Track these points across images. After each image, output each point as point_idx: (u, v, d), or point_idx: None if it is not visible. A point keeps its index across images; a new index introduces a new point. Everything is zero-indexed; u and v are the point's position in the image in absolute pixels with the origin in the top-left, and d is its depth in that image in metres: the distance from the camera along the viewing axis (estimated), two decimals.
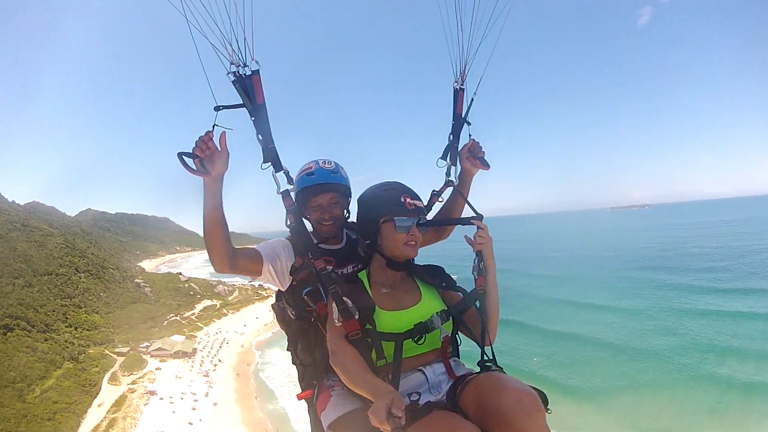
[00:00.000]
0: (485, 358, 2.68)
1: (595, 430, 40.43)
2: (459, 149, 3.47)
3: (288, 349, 3.19)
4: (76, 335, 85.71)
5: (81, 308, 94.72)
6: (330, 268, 2.85)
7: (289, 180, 2.94)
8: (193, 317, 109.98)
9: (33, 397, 65.45)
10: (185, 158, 2.48)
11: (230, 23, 2.46)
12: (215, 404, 63.02)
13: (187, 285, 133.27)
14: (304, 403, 3.12)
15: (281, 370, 68.38)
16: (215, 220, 2.63)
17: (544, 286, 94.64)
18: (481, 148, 3.43)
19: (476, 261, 2.89)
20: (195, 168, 2.50)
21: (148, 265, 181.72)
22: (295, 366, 3.25)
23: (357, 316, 2.55)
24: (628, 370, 51.34)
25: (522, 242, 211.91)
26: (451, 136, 3.48)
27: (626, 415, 41.31)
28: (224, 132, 2.59)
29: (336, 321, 2.60)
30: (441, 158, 3.50)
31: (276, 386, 65.00)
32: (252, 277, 3.04)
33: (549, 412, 2.29)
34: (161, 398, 67.75)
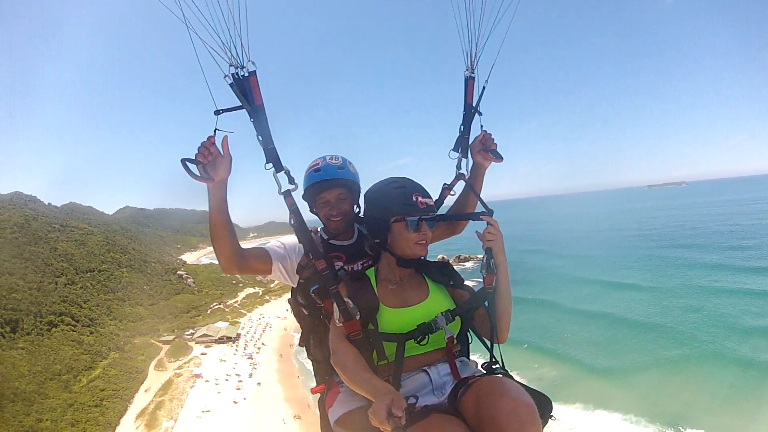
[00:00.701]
0: (492, 360, 2.64)
1: (620, 406, 40.59)
2: (470, 141, 3.30)
3: (300, 345, 3.16)
4: (121, 327, 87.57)
5: (125, 301, 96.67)
6: (340, 264, 2.99)
7: (290, 180, 2.80)
8: (236, 305, 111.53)
9: (80, 387, 67.13)
10: (188, 164, 2.48)
11: (226, 26, 2.43)
12: (259, 384, 64.16)
13: (229, 274, 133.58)
14: None
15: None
16: (220, 223, 2.67)
17: (575, 265, 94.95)
18: (493, 139, 3.27)
19: (485, 258, 2.74)
20: (198, 174, 2.50)
21: (189, 257, 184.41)
22: (310, 360, 3.19)
23: (358, 317, 2.52)
24: (654, 347, 51.67)
25: (557, 223, 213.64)
26: (462, 127, 3.30)
27: (650, 392, 41.64)
28: (226, 136, 2.58)
29: (337, 321, 2.56)
30: (453, 150, 3.30)
31: None
32: (262, 275, 3.07)
33: (552, 419, 2.33)
34: (206, 380, 69.12)
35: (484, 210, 2.85)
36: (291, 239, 3.05)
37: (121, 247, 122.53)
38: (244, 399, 60.19)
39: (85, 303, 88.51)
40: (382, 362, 2.47)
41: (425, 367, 2.55)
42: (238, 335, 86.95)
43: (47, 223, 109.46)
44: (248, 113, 2.64)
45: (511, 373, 2.53)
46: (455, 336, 2.64)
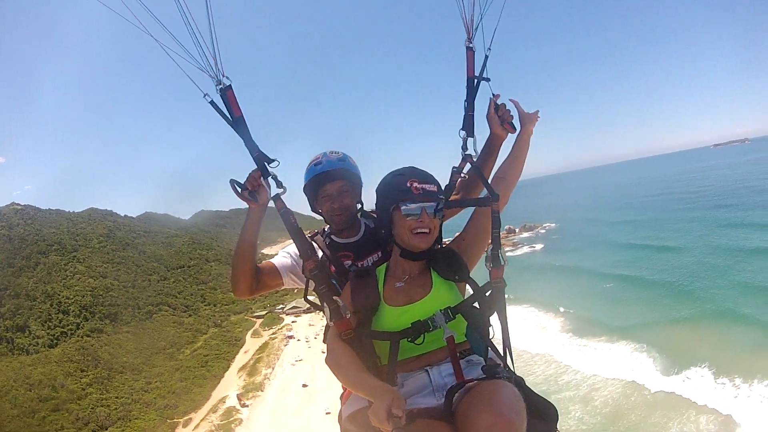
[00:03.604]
0: (494, 363, 2.37)
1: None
2: (487, 112, 3.06)
3: (324, 342, 2.93)
4: (216, 310, 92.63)
5: (216, 290, 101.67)
6: (349, 262, 2.97)
7: (279, 184, 2.75)
8: None
9: (184, 356, 72.59)
10: (236, 185, 2.66)
11: (200, 45, 2.45)
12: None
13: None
14: None
15: None
16: (250, 245, 2.79)
17: (620, 231, 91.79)
18: (508, 109, 3.03)
19: (489, 248, 2.61)
20: (247, 197, 2.67)
21: (270, 251, 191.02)
22: None
23: (348, 315, 2.48)
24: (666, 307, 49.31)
25: (613, 190, 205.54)
26: (466, 103, 3.06)
27: (660, 345, 40.55)
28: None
29: (328, 320, 2.55)
30: (462, 129, 3.04)
31: None
32: (277, 289, 3.15)
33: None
34: (298, 339, 74.92)
35: (489, 197, 2.70)
36: (294, 246, 2.95)
37: (206, 245, 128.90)
38: None
39: (179, 294, 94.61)
40: (384, 362, 2.42)
41: (427, 367, 2.43)
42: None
43: (131, 231, 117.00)
44: (230, 126, 2.68)
45: (516, 375, 2.32)
46: (455, 335, 2.44)
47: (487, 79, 3.03)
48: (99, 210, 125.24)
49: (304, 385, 56.95)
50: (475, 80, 3.03)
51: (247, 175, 2.69)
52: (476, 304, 2.52)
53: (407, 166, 2.66)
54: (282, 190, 2.76)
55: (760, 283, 49.58)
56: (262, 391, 59.54)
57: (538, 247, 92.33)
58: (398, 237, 2.58)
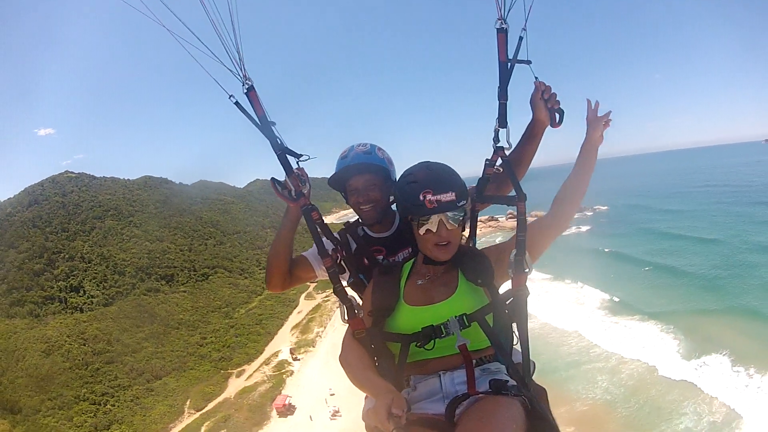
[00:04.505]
0: (502, 378, 2.25)
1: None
2: (531, 96, 2.81)
3: None
4: None
5: None
6: (381, 257, 2.97)
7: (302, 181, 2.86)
8: None
9: (239, 315, 72.67)
10: (277, 185, 2.80)
11: (224, 49, 2.55)
12: None
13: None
14: None
15: None
16: (287, 242, 2.92)
17: (664, 220, 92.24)
18: (554, 94, 2.75)
19: (513, 253, 2.39)
20: (286, 196, 2.80)
21: (327, 220, 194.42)
22: None
23: (361, 315, 2.54)
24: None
25: (665, 177, 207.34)
26: (499, 90, 2.77)
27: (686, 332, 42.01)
28: (303, 168, 2.89)
29: (343, 318, 2.62)
30: (497, 118, 2.79)
31: None
32: (311, 280, 3.20)
33: None
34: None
35: (516, 195, 2.50)
36: (326, 240, 2.91)
37: (262, 212, 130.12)
38: None
39: (235, 257, 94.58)
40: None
41: (440, 372, 2.32)
42: None
43: (187, 198, 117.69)
44: (255, 125, 2.73)
45: (529, 392, 2.12)
46: (468, 343, 2.29)
47: (527, 62, 2.70)
48: (154, 177, 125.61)
49: None
50: (509, 64, 2.72)
51: (288, 177, 2.79)
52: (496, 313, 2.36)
53: (423, 164, 2.47)
54: (306, 186, 2.83)
55: None
56: (313, 347, 60.09)
57: (584, 228, 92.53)
58: (419, 244, 2.49)
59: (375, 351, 2.42)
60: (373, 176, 2.97)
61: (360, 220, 3.12)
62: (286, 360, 56.50)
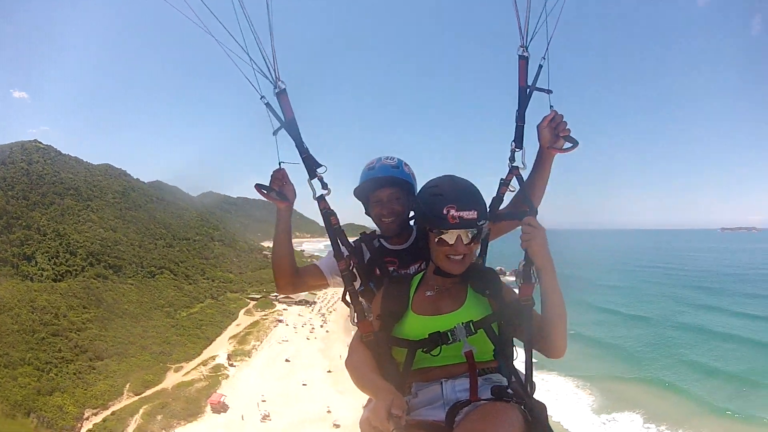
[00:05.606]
0: (504, 385, 2.30)
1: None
2: (539, 123, 2.86)
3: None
4: (214, 285, 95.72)
5: (216, 267, 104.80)
6: (393, 268, 3.00)
7: (324, 186, 2.86)
8: None
9: (180, 317, 75.67)
10: (263, 189, 2.79)
11: (259, 52, 2.64)
12: (327, 331, 76.44)
13: (309, 260, 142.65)
14: None
15: None
16: (285, 243, 2.90)
17: (600, 294, 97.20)
18: (565, 123, 2.78)
19: (521, 264, 2.47)
20: (274, 197, 2.81)
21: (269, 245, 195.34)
22: None
23: (371, 318, 2.53)
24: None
25: (610, 254, 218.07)
26: (517, 113, 2.88)
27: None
28: (284, 170, 2.89)
29: (353, 320, 2.63)
30: (513, 140, 2.87)
31: None
32: (320, 289, 3.35)
33: None
34: (287, 324, 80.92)
35: (526, 210, 2.57)
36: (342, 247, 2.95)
37: (213, 224, 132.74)
38: (315, 338, 72.88)
39: (182, 263, 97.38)
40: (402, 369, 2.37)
41: (443, 380, 2.32)
42: (315, 302, 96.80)
43: (143, 195, 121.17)
44: (283, 128, 2.80)
45: (531, 401, 2.20)
46: (475, 351, 2.32)
47: (548, 91, 2.80)
48: (114, 167, 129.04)
49: (287, 360, 61.60)
50: (528, 90, 2.83)
51: (271, 176, 2.85)
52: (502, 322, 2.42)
53: (448, 177, 2.52)
54: (327, 191, 2.85)
55: (705, 362, 55.54)
56: (249, 357, 64.04)
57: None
58: (432, 254, 2.52)
59: (380, 356, 2.41)
60: (399, 190, 3.04)
61: (377, 232, 3.20)
62: (223, 364, 60.03)
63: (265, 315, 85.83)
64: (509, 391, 2.19)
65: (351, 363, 2.43)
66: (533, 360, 2.37)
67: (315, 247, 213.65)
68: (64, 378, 51.60)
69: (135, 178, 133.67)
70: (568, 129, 2.74)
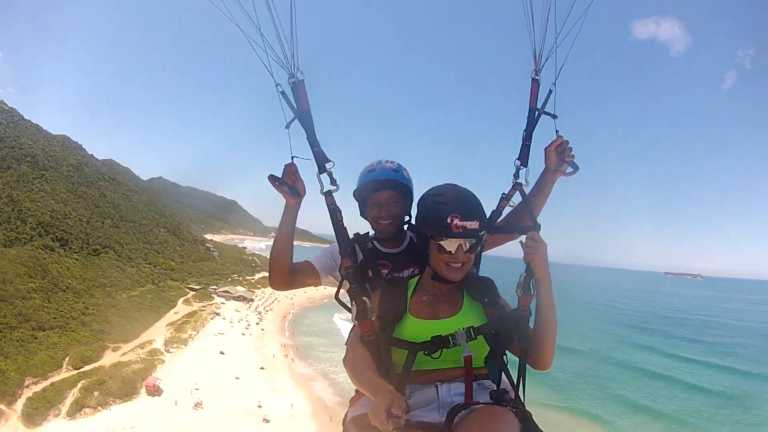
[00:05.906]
0: (503, 390, 2.39)
1: None
2: (547, 146, 2.99)
3: (346, 344, 2.87)
4: (156, 271, 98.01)
5: (160, 254, 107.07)
6: (386, 271, 3.05)
7: (332, 181, 2.84)
8: (252, 280, 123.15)
9: (121, 299, 77.90)
10: (275, 180, 2.73)
11: (279, 40, 2.63)
12: (263, 329, 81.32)
13: (250, 257, 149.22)
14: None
15: (313, 322, 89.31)
16: (288, 240, 2.88)
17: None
18: (570, 149, 2.93)
19: (522, 276, 2.53)
20: (285, 191, 2.74)
21: (212, 239, 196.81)
22: None
23: (373, 317, 2.52)
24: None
25: (556, 288, 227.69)
26: (524, 133, 2.99)
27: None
28: (294, 164, 2.80)
29: (353, 319, 2.62)
30: (517, 158, 2.97)
31: (307, 328, 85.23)
32: (314, 286, 3.35)
33: None
34: (223, 318, 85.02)
35: (530, 224, 2.67)
36: (335, 247, 2.95)
37: (160, 210, 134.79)
38: (251, 335, 77.15)
39: (126, 244, 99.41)
40: (399, 371, 2.39)
41: (437, 383, 2.38)
42: (252, 299, 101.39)
43: (96, 172, 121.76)
44: (296, 118, 2.76)
45: (524, 408, 2.30)
46: (473, 355, 2.38)
47: (554, 116, 2.94)
48: (72, 140, 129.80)
49: (222, 353, 65.24)
50: (536, 112, 2.97)
51: (283, 170, 2.77)
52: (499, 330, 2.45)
53: (451, 186, 2.54)
54: (335, 187, 2.83)
55: (634, 399, 58.27)
56: (185, 345, 67.65)
57: None
58: (432, 261, 2.52)
59: (380, 356, 2.39)
60: (398, 193, 3.06)
61: (370, 233, 3.19)
62: (159, 349, 63.23)
63: (203, 306, 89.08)
64: (506, 395, 2.34)
65: (349, 361, 2.44)
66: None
67: (256, 245, 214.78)
68: (7, 344, 53.27)
69: (90, 153, 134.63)
70: (573, 155, 2.95)
